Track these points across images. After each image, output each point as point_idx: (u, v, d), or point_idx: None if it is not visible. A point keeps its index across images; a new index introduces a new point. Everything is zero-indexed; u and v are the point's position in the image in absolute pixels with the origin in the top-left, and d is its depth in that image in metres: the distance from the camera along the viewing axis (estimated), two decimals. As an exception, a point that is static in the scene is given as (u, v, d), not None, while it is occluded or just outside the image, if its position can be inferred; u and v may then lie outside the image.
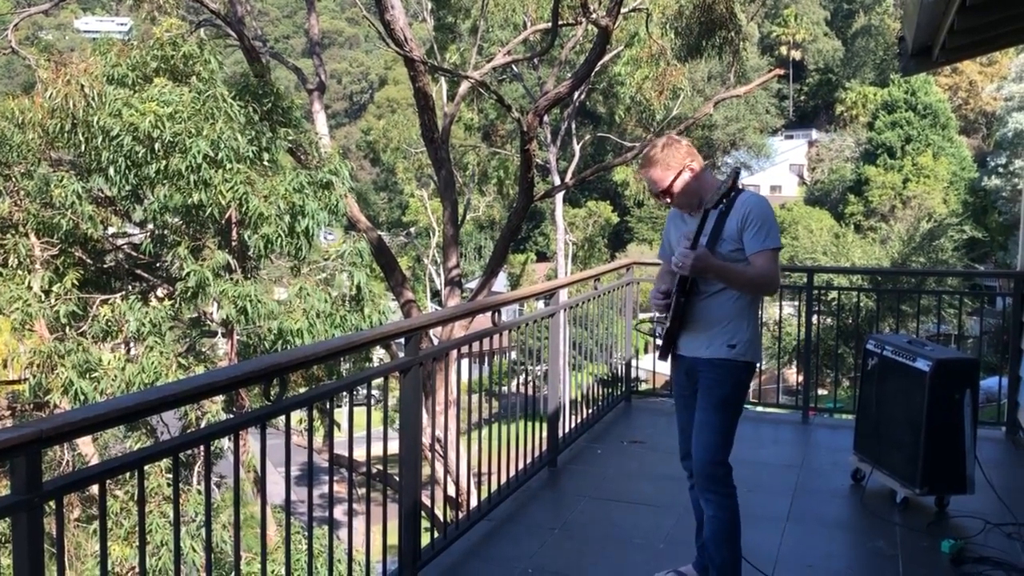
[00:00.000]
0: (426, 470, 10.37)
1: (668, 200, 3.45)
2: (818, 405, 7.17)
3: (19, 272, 9.64)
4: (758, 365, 3.50)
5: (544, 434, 5.23)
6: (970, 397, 4.46)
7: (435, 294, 33.37)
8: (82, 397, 8.79)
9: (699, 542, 3.63)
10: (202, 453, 2.86)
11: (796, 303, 11.63)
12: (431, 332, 12.91)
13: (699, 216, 3.35)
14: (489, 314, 4.50)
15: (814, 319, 6.69)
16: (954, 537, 4.10)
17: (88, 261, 10.45)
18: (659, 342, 3.51)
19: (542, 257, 44.42)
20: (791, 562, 3.91)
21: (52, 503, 2.19)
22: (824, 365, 13.68)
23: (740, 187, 3.38)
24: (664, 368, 3.79)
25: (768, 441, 6.18)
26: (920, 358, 4.54)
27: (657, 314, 3.53)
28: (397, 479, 3.75)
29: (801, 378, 7.25)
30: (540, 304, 7.64)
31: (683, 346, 3.46)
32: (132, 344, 10.05)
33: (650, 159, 3.43)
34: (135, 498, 9.08)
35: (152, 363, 9.06)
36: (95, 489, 2.35)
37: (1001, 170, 34.67)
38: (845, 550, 4.29)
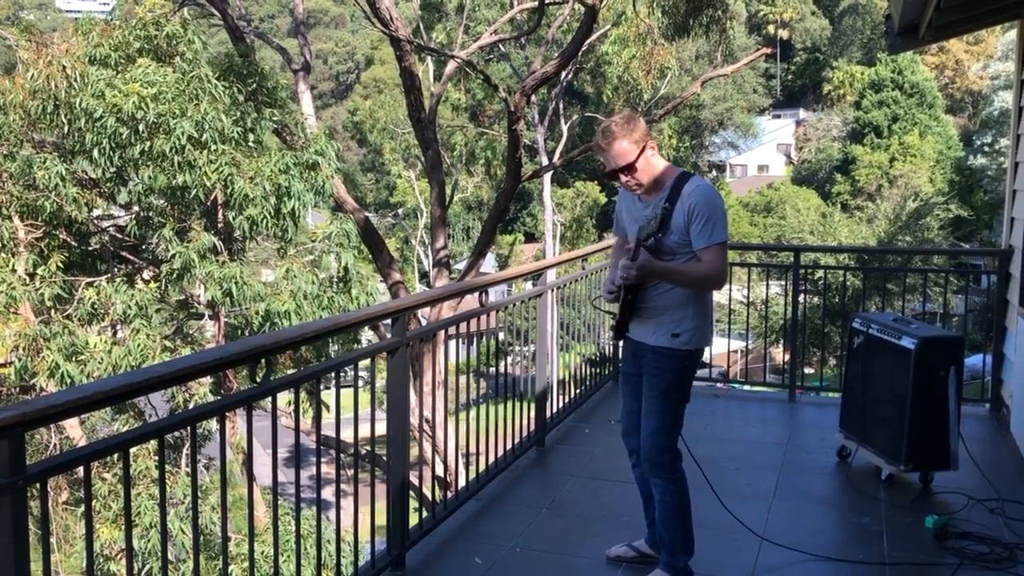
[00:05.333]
0: (414, 450, 10.38)
1: (629, 178, 3.33)
2: (805, 383, 7.23)
3: (3, 255, 9.55)
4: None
5: (532, 414, 5.25)
6: (955, 374, 4.49)
7: (423, 275, 33.32)
8: (68, 380, 8.74)
9: (648, 517, 3.70)
10: (188, 435, 2.85)
11: (783, 282, 11.68)
12: (420, 313, 12.90)
13: (650, 202, 3.34)
14: (477, 295, 4.49)
15: (801, 298, 6.72)
16: (938, 513, 4.14)
17: (73, 243, 10.36)
18: (612, 322, 3.52)
19: (530, 238, 44.35)
20: (777, 538, 3.94)
21: (37, 486, 2.18)
22: (811, 344, 13.76)
23: (688, 173, 3.34)
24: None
25: (755, 419, 6.23)
26: (905, 336, 4.56)
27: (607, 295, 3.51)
28: (385, 459, 3.75)
29: (788, 357, 7.28)
30: (528, 284, 7.62)
31: (632, 330, 3.48)
32: (118, 327, 10.00)
33: (613, 133, 3.29)
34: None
35: (139, 346, 9.01)
36: (83, 472, 2.34)
37: (987, 149, 34.74)
38: (831, 526, 4.33)
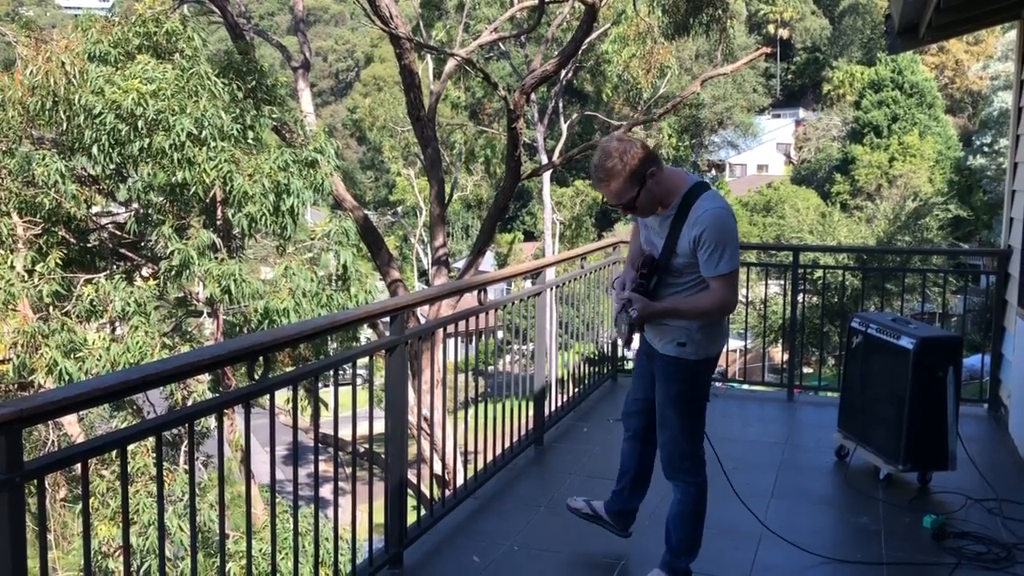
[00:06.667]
0: (413, 449, 10.36)
1: (628, 211, 3.17)
2: (803, 383, 7.22)
3: (1, 251, 9.54)
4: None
5: (531, 412, 5.25)
6: (953, 374, 4.49)
7: (422, 273, 33.30)
8: (66, 377, 8.73)
9: (618, 486, 3.74)
10: (186, 432, 2.85)
11: (782, 282, 11.69)
12: (419, 311, 12.90)
13: (659, 215, 3.19)
14: (476, 293, 4.49)
15: (800, 297, 6.72)
16: (936, 513, 4.15)
17: (72, 240, 10.34)
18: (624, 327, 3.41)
19: (529, 236, 44.33)
20: (775, 538, 3.94)
21: (34, 483, 2.18)
22: (809, 343, 13.77)
23: (699, 187, 3.16)
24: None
25: (754, 419, 6.23)
26: (904, 336, 4.56)
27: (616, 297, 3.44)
28: (384, 458, 3.75)
29: (787, 356, 7.28)
30: (527, 283, 7.61)
31: (645, 330, 3.41)
32: (117, 324, 9.98)
33: (609, 171, 3.01)
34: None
35: (137, 343, 8.99)
36: (80, 469, 2.34)
37: (986, 149, 34.75)
38: (829, 526, 4.33)
